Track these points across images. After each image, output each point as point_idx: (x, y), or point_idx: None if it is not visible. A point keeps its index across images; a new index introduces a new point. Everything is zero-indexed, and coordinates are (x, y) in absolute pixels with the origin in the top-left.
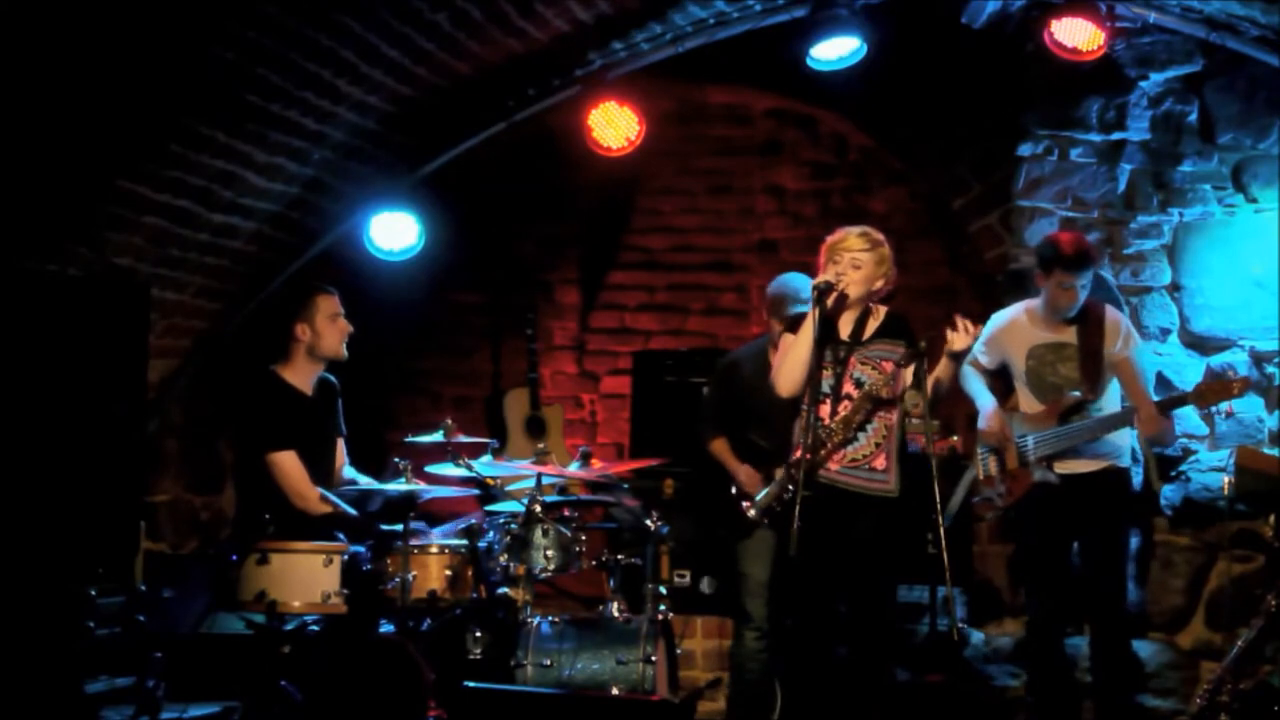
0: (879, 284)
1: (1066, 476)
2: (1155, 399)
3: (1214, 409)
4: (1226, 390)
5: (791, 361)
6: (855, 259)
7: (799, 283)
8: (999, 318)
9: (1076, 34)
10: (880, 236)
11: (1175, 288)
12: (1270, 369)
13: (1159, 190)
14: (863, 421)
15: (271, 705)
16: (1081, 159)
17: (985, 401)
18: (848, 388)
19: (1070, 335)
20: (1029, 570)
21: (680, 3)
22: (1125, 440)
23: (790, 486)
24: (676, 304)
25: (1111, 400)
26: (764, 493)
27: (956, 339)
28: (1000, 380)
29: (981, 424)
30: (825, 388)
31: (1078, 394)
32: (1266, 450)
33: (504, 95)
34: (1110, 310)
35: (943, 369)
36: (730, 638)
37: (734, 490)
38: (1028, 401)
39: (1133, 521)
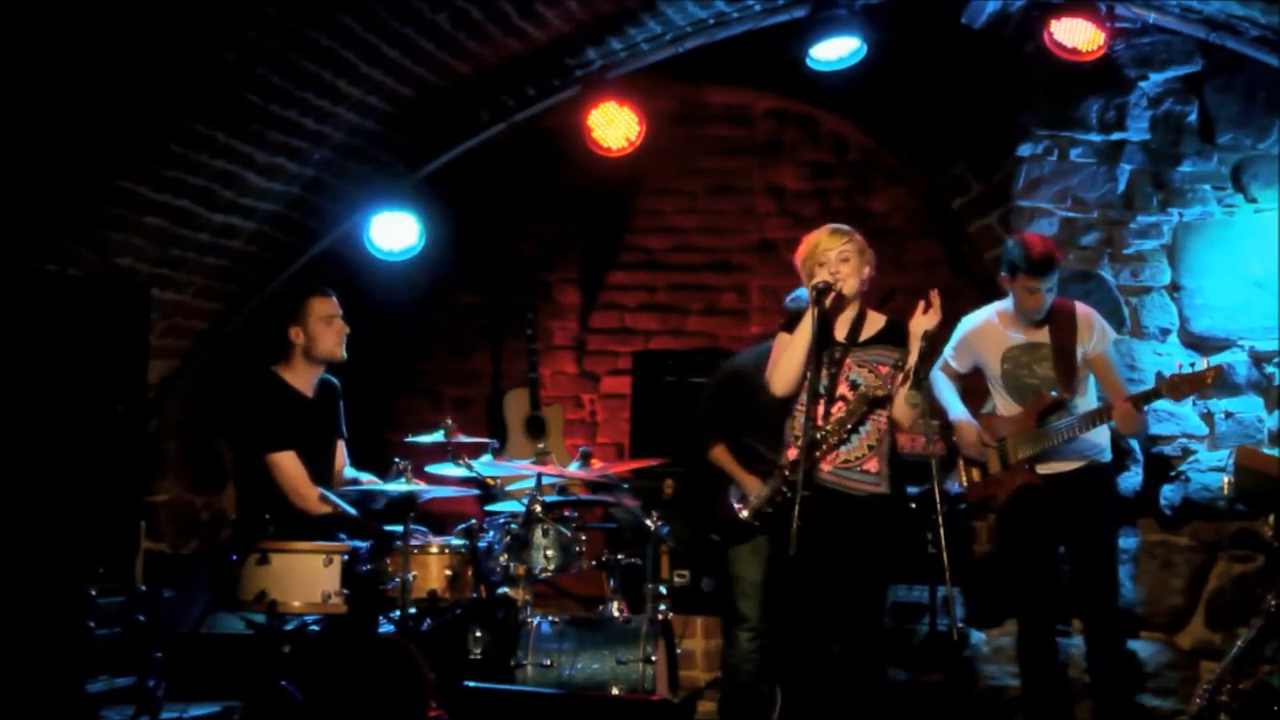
0: (866, 271)
1: (1048, 477)
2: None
3: (1193, 398)
4: (1199, 381)
5: (788, 360)
6: (842, 254)
7: None
8: (969, 321)
9: (1076, 34)
10: (849, 228)
11: (1175, 288)
12: (1270, 369)
13: (1159, 190)
14: (856, 423)
15: (271, 705)
16: (1081, 159)
17: (957, 413)
18: (842, 389)
19: (1043, 335)
20: (1018, 572)
21: (686, 9)
22: (1104, 437)
23: (784, 488)
24: (676, 304)
25: (1089, 398)
26: (757, 494)
27: (925, 320)
28: (972, 382)
29: (956, 437)
30: (819, 389)
31: (1054, 394)
32: (1266, 450)
33: (504, 95)
34: (1080, 306)
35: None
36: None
37: (730, 494)
38: (1005, 404)
39: (1121, 519)
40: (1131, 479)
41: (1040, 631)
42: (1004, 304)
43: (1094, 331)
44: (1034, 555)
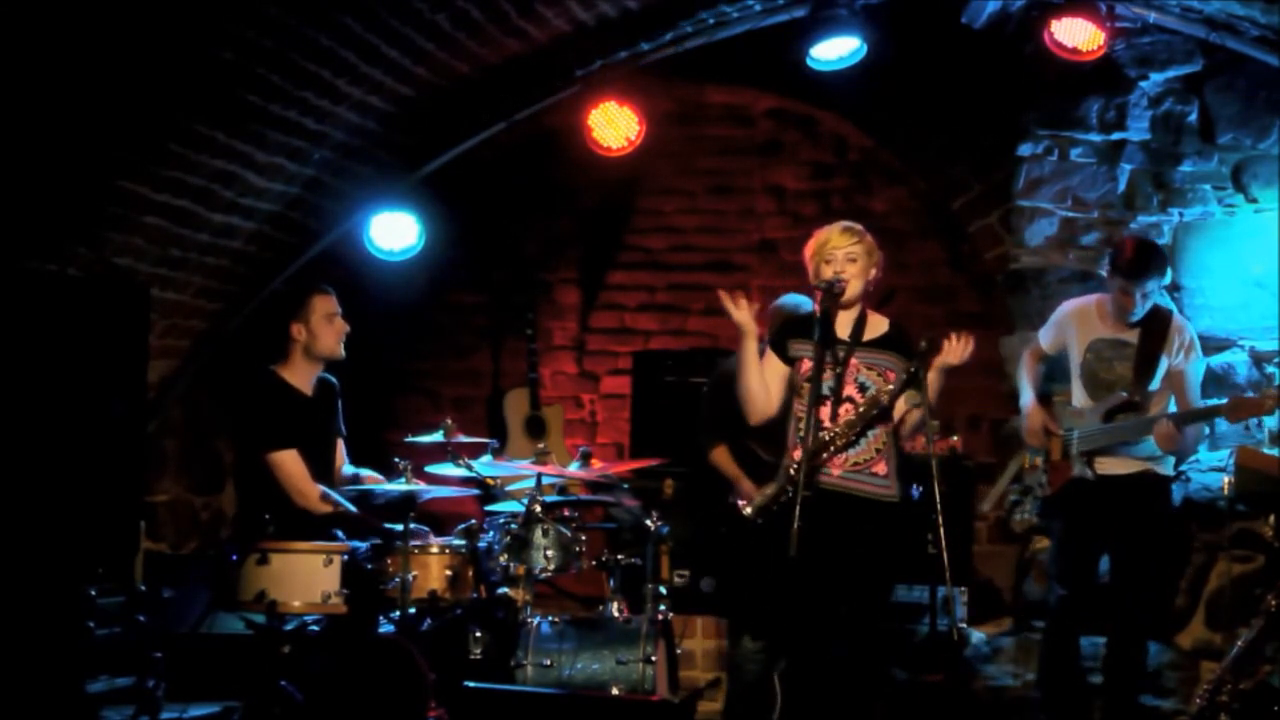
0: (873, 273)
1: (1103, 477)
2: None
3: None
4: (1259, 406)
5: (744, 391)
6: (849, 253)
7: (801, 305)
8: (1070, 303)
9: (1076, 34)
10: (861, 228)
11: (1175, 288)
12: (1270, 369)
13: (1159, 190)
14: (864, 426)
15: (271, 705)
16: (1081, 159)
17: (1025, 400)
18: (849, 390)
19: (1133, 336)
20: (1054, 563)
21: (688, 10)
22: None
23: (789, 488)
24: (676, 304)
25: (1163, 406)
26: (762, 493)
27: (952, 352)
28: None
29: (1023, 421)
30: (825, 389)
31: (1125, 394)
32: (1266, 450)
33: (504, 95)
34: (1177, 319)
35: (933, 380)
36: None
37: (733, 497)
38: (1080, 396)
39: (1170, 531)
40: None
41: (1064, 626)
42: (1106, 296)
43: (1183, 346)
44: (1073, 550)
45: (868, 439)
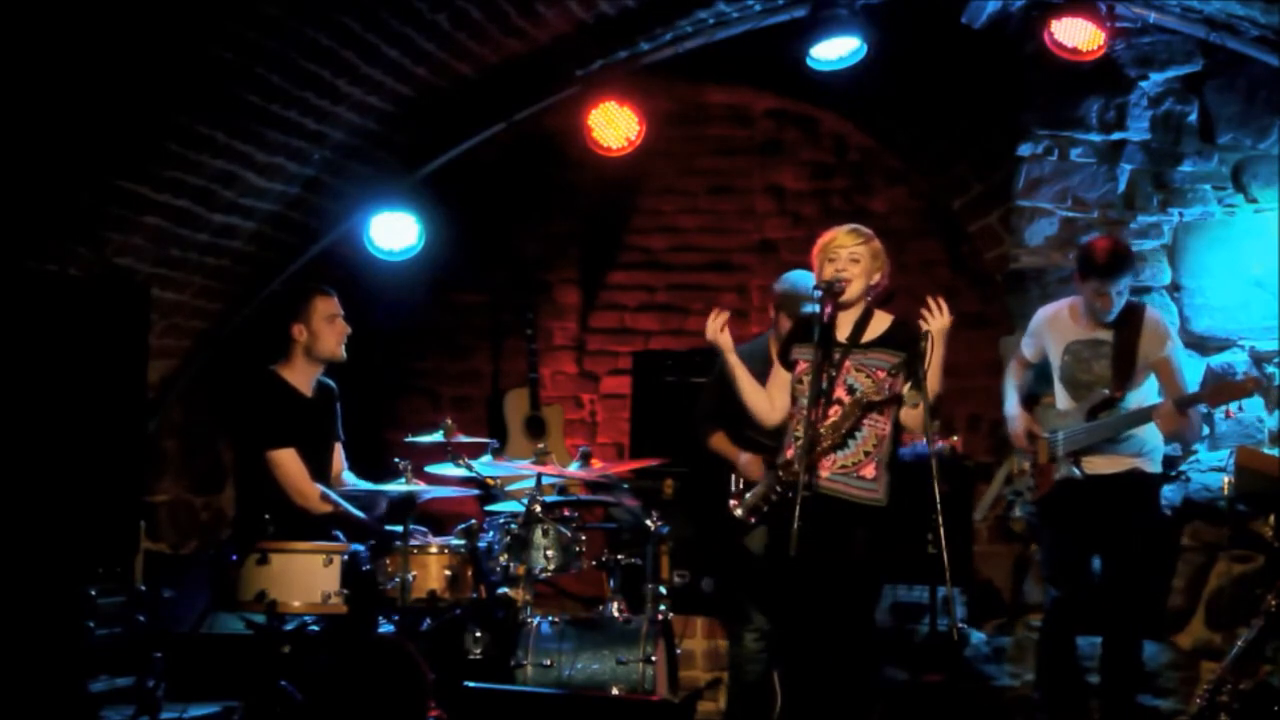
0: (876, 277)
1: (1091, 476)
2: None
3: (1225, 408)
4: (1240, 390)
5: (745, 405)
6: (853, 254)
7: (808, 280)
8: (1045, 309)
9: (1076, 34)
10: (870, 231)
11: (1175, 288)
12: (1270, 369)
13: (1159, 190)
14: (852, 428)
15: (271, 705)
16: (1081, 159)
17: (1009, 405)
18: (839, 392)
19: (1108, 334)
20: (1046, 564)
21: (688, 10)
22: (1154, 443)
23: (778, 488)
24: (676, 304)
25: (1145, 399)
26: (751, 492)
27: (934, 320)
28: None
29: (1010, 428)
30: (819, 390)
31: (1106, 392)
32: (1266, 450)
33: (504, 95)
34: (1150, 311)
35: (935, 352)
36: (729, 638)
37: (733, 488)
38: (1062, 398)
39: (1159, 528)
40: None
41: (1061, 626)
42: (1079, 298)
43: (1158, 338)
44: (1064, 551)
45: (856, 441)
